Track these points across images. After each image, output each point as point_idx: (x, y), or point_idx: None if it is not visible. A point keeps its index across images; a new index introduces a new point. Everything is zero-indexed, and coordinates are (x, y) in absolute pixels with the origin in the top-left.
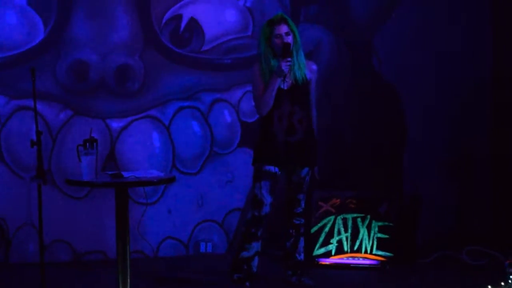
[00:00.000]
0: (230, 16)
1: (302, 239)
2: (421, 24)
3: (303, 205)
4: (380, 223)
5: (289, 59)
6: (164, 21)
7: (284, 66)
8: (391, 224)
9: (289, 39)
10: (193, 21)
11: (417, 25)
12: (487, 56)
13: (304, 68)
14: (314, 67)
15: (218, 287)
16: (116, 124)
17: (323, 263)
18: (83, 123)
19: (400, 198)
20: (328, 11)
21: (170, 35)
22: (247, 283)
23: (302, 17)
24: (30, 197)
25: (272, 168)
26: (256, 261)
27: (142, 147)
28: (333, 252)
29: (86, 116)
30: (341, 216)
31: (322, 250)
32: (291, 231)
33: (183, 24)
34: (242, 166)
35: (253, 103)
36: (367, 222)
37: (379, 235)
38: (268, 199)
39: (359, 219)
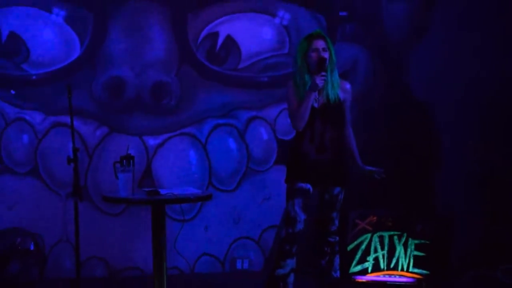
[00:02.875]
0: (267, 34)
1: (337, 256)
2: (454, 43)
3: (336, 223)
4: (416, 241)
5: (324, 73)
6: (200, 38)
7: (319, 80)
8: (427, 241)
9: (326, 54)
10: (229, 38)
11: (451, 45)
12: None
13: (338, 88)
14: (348, 86)
15: None
16: (152, 141)
17: (360, 280)
18: (119, 140)
19: (435, 216)
20: (364, 30)
21: (207, 52)
22: None
23: (339, 35)
24: (66, 213)
25: (304, 185)
26: (292, 278)
27: (178, 164)
28: (369, 270)
29: (122, 133)
30: (378, 234)
31: (359, 268)
32: (326, 249)
33: (219, 42)
34: (278, 184)
35: (289, 121)
36: (403, 240)
37: (416, 252)
38: (301, 216)
39: (395, 237)
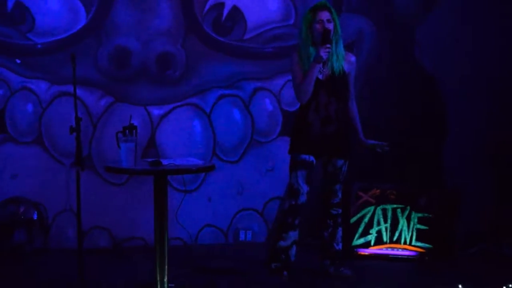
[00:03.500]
0: (272, 5)
1: (340, 229)
2: (463, 15)
3: (340, 195)
4: (419, 214)
5: (328, 45)
6: (206, 9)
7: (323, 52)
8: (430, 215)
9: (330, 26)
10: (235, 9)
11: (460, 17)
12: None
13: (342, 60)
14: (353, 59)
15: (256, 276)
16: (157, 111)
17: (362, 253)
18: (123, 110)
19: (440, 190)
20: (370, 1)
21: (212, 23)
22: (285, 272)
23: (344, 7)
24: (70, 183)
25: (308, 157)
26: (294, 250)
27: (182, 134)
28: (372, 243)
29: (127, 103)
30: (381, 207)
31: (361, 241)
32: (328, 221)
33: (225, 12)
34: (282, 155)
35: (293, 92)
36: (406, 213)
37: (419, 226)
38: (304, 188)
39: (398, 210)
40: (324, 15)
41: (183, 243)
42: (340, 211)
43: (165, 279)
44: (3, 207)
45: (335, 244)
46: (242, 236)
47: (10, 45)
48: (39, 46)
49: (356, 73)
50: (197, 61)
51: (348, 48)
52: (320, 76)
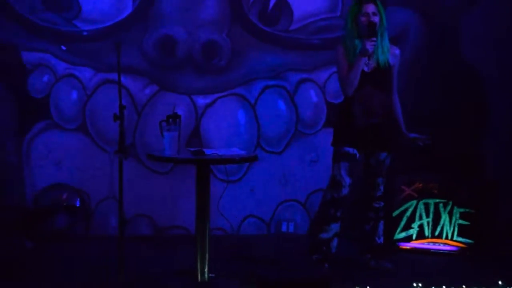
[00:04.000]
0: None
1: (382, 222)
2: (509, 8)
3: (382, 188)
4: (461, 210)
5: (374, 38)
6: None
7: (369, 45)
8: (472, 210)
9: (376, 19)
10: (282, 0)
11: (505, 9)
12: None
13: (388, 52)
14: (397, 51)
15: (297, 267)
16: (201, 101)
17: (404, 247)
18: (168, 99)
19: (481, 184)
20: None
21: (258, 13)
22: (326, 265)
23: (390, 0)
24: (113, 170)
25: (351, 150)
26: (335, 242)
27: (227, 124)
28: (414, 237)
29: (171, 92)
30: (423, 201)
31: (403, 234)
32: (370, 214)
33: (271, 3)
34: (326, 147)
35: (338, 84)
36: (449, 208)
37: (461, 221)
38: (347, 181)
39: (441, 205)
40: (370, 8)
41: (225, 233)
42: (382, 204)
43: (206, 269)
44: (46, 193)
45: (376, 238)
46: (284, 228)
47: (56, 32)
48: (84, 33)
49: (399, 66)
50: (242, 51)
51: (393, 41)
52: (365, 69)
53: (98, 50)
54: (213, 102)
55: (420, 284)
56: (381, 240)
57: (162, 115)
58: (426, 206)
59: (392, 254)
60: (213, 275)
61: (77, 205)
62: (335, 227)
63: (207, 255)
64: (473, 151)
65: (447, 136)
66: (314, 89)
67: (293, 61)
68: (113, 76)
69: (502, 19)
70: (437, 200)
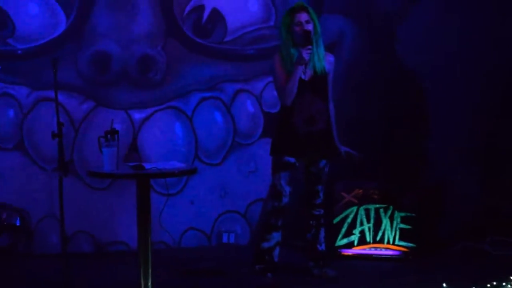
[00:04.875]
0: (253, 6)
1: (322, 229)
2: (446, 14)
3: (322, 196)
4: (402, 214)
5: (309, 47)
6: (186, 11)
7: (305, 53)
8: (413, 214)
9: (310, 27)
10: (215, 11)
11: (442, 16)
12: None
13: (323, 59)
14: (332, 58)
15: (240, 278)
16: (138, 115)
17: (346, 253)
18: (105, 114)
19: (423, 188)
20: (351, 1)
21: (193, 25)
22: (269, 274)
23: (325, 7)
24: (52, 188)
25: (291, 159)
26: (277, 251)
27: (164, 137)
28: (355, 243)
29: (108, 107)
30: (364, 207)
31: (345, 241)
32: (311, 222)
33: (205, 15)
34: (264, 157)
35: (275, 93)
36: (389, 212)
37: (402, 225)
38: (287, 190)
39: (381, 210)
40: (303, 17)
41: (166, 246)
42: (323, 211)
43: (149, 283)
44: None
45: (318, 245)
46: (225, 239)
47: None
48: (19, 51)
49: (334, 73)
50: (177, 64)
51: (330, 48)
52: (304, 77)
53: (33, 68)
54: (150, 115)
55: None
56: (322, 247)
57: (99, 131)
58: (367, 212)
59: (335, 261)
60: None
61: (17, 224)
62: (276, 236)
63: (150, 270)
64: (414, 155)
65: (387, 141)
66: (250, 99)
67: (228, 72)
68: (49, 93)
69: (438, 23)
70: (378, 206)
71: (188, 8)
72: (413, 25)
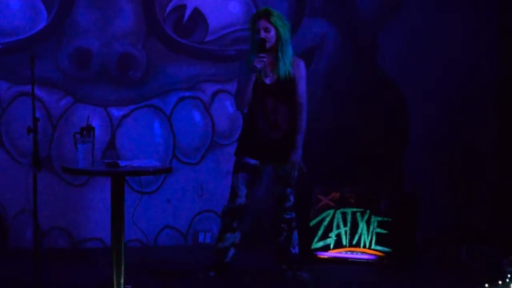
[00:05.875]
0: (234, 7)
1: (295, 232)
2: (426, 23)
3: (292, 199)
4: (379, 218)
5: (262, 55)
6: (167, 10)
7: (257, 62)
8: (390, 219)
9: (269, 34)
10: (196, 11)
11: (422, 24)
12: (490, 54)
13: (290, 65)
14: (301, 63)
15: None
16: (117, 112)
17: (322, 256)
18: (83, 111)
19: (399, 194)
20: (334, 4)
21: (174, 25)
22: (212, 273)
23: (307, 10)
24: (29, 183)
25: (252, 161)
26: (231, 252)
27: (142, 136)
28: (331, 246)
29: (87, 104)
30: (341, 210)
31: (321, 244)
32: (282, 225)
33: (186, 14)
34: None
35: None
36: (366, 217)
37: (378, 230)
38: (243, 191)
39: (358, 214)
40: (261, 24)
41: (142, 244)
42: (294, 215)
43: (122, 281)
44: None
45: (291, 248)
46: (201, 238)
47: None
48: (0, 46)
49: (314, 77)
50: (158, 63)
51: (311, 51)
52: (267, 81)
53: (13, 63)
54: (129, 113)
55: None
56: (296, 250)
57: (78, 127)
58: (344, 215)
59: (310, 263)
60: (129, 286)
61: None
62: (231, 237)
63: (122, 267)
64: (392, 162)
65: (365, 147)
66: (229, 100)
67: (208, 72)
68: (29, 88)
69: (419, 33)
70: (355, 209)
71: (169, 7)
72: (394, 32)
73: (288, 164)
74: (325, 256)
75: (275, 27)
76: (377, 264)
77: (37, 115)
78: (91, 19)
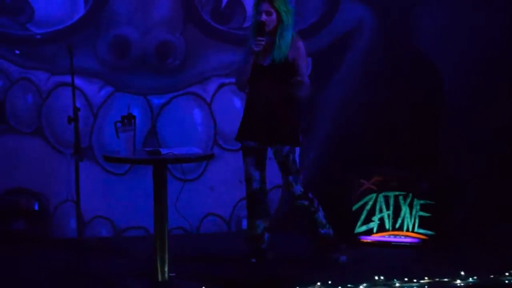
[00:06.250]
0: None
1: (319, 214)
2: (466, 2)
3: (299, 188)
4: (422, 201)
5: (260, 38)
6: None
7: (254, 45)
8: (432, 202)
9: (270, 18)
10: None
11: (462, 3)
12: None
13: (286, 49)
14: (300, 43)
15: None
16: (157, 101)
17: (365, 240)
18: (123, 99)
19: (441, 176)
20: None
21: (211, 11)
22: (253, 259)
23: None
24: (71, 173)
25: (251, 143)
26: (266, 237)
27: (183, 123)
28: (374, 230)
29: (126, 92)
30: (383, 194)
31: (364, 228)
32: (301, 211)
33: (224, 1)
34: None
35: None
36: (409, 200)
37: (421, 213)
38: (255, 175)
39: (401, 197)
40: (264, 6)
41: (185, 232)
42: (307, 202)
43: (166, 268)
44: (3, 198)
45: (320, 229)
46: (244, 225)
47: (9, 36)
48: (38, 36)
49: (352, 61)
50: (196, 50)
51: (348, 35)
52: (264, 63)
53: (52, 53)
54: (169, 101)
55: (382, 277)
56: (325, 230)
57: (118, 116)
58: (386, 199)
59: (353, 248)
60: (174, 274)
61: (36, 209)
62: (259, 223)
63: (166, 255)
64: (432, 143)
65: (404, 130)
66: None
67: None
68: (68, 78)
69: (455, 8)
70: (397, 193)
71: None
72: (432, 14)
73: (283, 148)
74: (368, 240)
75: (278, 11)
76: (420, 247)
77: (77, 104)
78: (129, 8)
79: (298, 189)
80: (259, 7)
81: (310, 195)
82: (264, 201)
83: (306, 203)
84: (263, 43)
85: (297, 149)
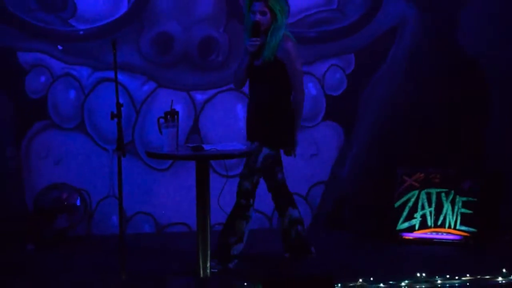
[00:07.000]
0: None
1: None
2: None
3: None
4: (464, 198)
5: (254, 38)
6: None
7: (248, 45)
8: (475, 199)
9: (264, 17)
10: None
11: (507, 1)
12: None
13: (275, 49)
14: (288, 44)
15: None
16: (200, 97)
17: (407, 237)
18: (166, 95)
19: (483, 174)
20: None
21: None
22: (286, 254)
23: None
24: (113, 169)
25: (250, 143)
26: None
27: (226, 119)
28: (416, 227)
29: (169, 88)
30: (425, 191)
31: (406, 225)
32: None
33: None
34: (326, 139)
35: (337, 76)
36: (451, 197)
37: (463, 210)
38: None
39: (443, 194)
40: (257, 6)
41: None
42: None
43: (208, 264)
44: (45, 193)
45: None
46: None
47: (52, 32)
48: (81, 32)
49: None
50: (240, 46)
51: (392, 32)
52: (256, 63)
53: (95, 49)
54: (212, 97)
55: (424, 274)
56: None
57: (161, 112)
58: (428, 196)
59: (396, 244)
60: (216, 270)
61: (78, 204)
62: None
63: (209, 251)
64: (475, 142)
65: (446, 127)
66: (312, 82)
67: None
68: (110, 74)
69: (502, 8)
70: (439, 190)
71: None
72: (477, 12)
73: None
74: (410, 237)
75: (272, 11)
76: (462, 245)
77: (120, 100)
78: (172, 4)
79: (244, 186)
80: (253, 7)
81: (243, 201)
82: (285, 197)
83: (244, 202)
84: (258, 43)
85: (270, 152)
